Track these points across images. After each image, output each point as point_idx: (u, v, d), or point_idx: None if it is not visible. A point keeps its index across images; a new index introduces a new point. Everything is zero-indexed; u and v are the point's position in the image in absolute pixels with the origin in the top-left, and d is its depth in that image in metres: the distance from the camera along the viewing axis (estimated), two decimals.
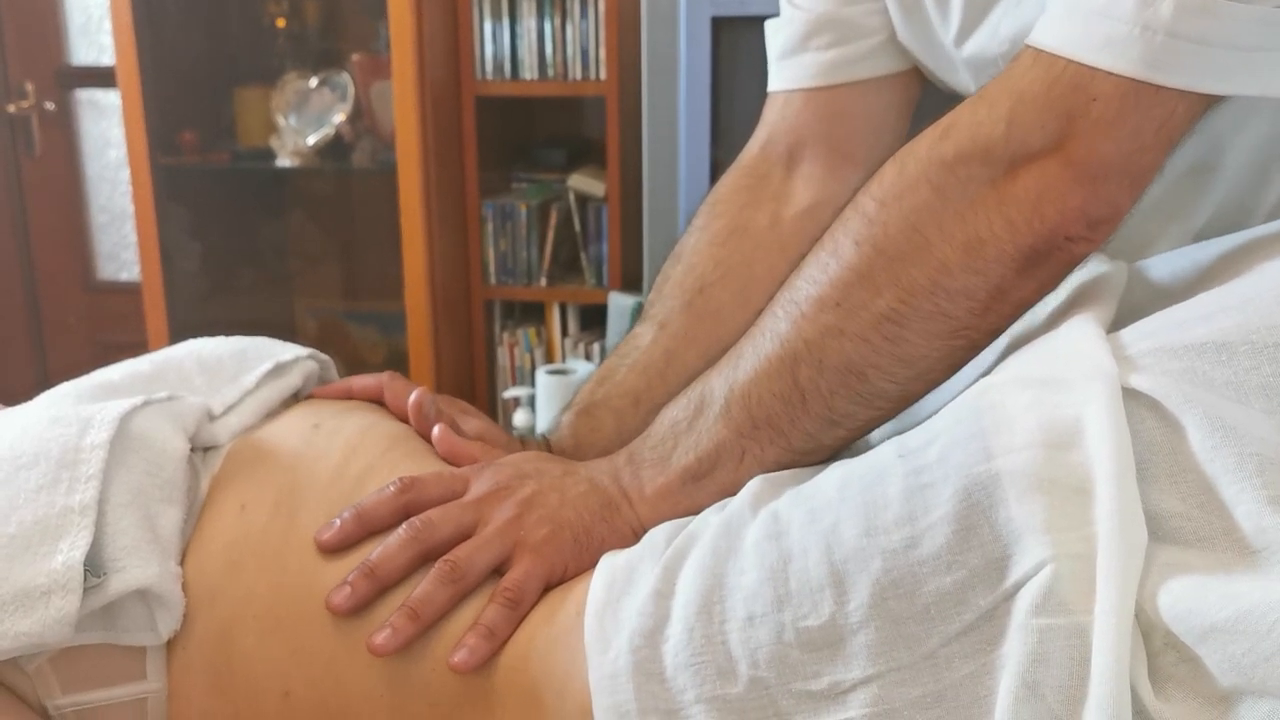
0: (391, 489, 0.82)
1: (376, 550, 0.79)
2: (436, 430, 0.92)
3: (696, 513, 0.80)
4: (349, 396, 0.99)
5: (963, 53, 0.97)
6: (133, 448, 0.83)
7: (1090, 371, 0.68)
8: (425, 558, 0.79)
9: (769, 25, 1.13)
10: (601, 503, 0.83)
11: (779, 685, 0.67)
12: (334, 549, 0.81)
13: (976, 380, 0.75)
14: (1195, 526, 0.63)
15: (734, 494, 0.80)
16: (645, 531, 0.80)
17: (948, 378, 0.78)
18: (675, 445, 0.83)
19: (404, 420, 0.97)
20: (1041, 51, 0.72)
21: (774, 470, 0.80)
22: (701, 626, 0.69)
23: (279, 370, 1.00)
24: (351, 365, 3.50)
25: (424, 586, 0.78)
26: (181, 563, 0.81)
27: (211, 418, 0.92)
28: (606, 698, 0.70)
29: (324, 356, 1.04)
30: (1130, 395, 0.67)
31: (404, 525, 0.80)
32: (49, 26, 3.76)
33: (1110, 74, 0.69)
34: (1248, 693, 0.58)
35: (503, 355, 3.45)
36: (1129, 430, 0.65)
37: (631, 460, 0.85)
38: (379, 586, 0.78)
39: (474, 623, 0.76)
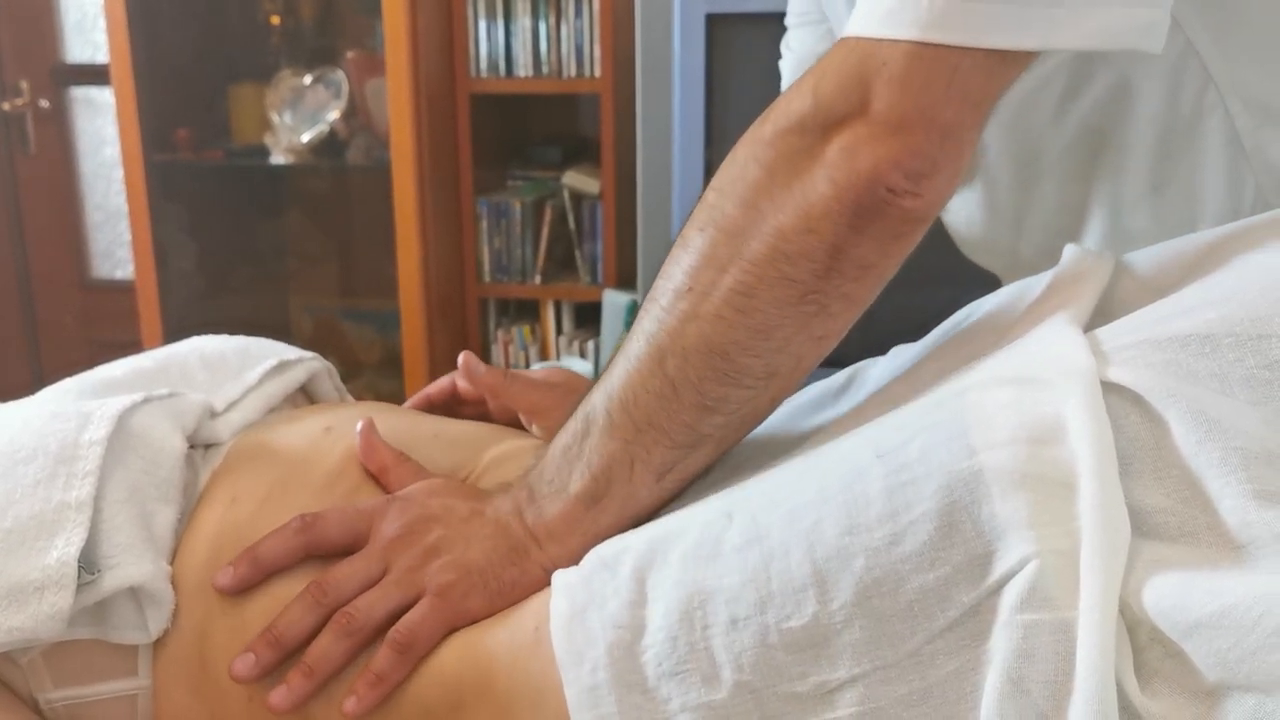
0: (290, 528, 0.81)
1: (280, 616, 0.79)
2: (359, 425, 0.90)
3: (605, 538, 0.79)
4: (429, 406, 1.03)
5: None
6: (131, 445, 0.83)
7: (1068, 369, 0.69)
8: (329, 617, 0.79)
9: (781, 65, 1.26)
10: (510, 546, 0.81)
11: (764, 688, 0.67)
12: (230, 593, 0.80)
13: (939, 382, 0.76)
14: (1180, 522, 0.63)
15: (633, 509, 0.80)
16: (556, 570, 0.80)
17: (815, 353, 0.79)
18: (570, 472, 0.81)
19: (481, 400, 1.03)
20: (845, 38, 0.77)
21: (662, 473, 0.80)
22: (685, 634, 0.69)
23: (282, 367, 1.00)
24: (348, 363, 3.50)
25: (320, 641, 0.77)
26: (172, 562, 0.82)
27: (213, 414, 0.93)
28: (588, 712, 0.69)
29: (325, 362, 1.05)
30: (1112, 390, 0.67)
31: (307, 589, 0.79)
32: (44, 24, 3.75)
33: (894, 41, 0.73)
34: (1234, 687, 0.58)
35: (497, 353, 3.45)
36: (1111, 426, 0.66)
37: (533, 498, 0.83)
38: (283, 653, 0.78)
39: (362, 670, 0.77)
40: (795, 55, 1.24)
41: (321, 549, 0.81)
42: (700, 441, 0.80)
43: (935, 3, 0.72)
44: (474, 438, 0.96)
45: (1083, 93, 0.93)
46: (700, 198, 0.80)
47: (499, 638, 0.76)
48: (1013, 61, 0.74)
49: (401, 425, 0.94)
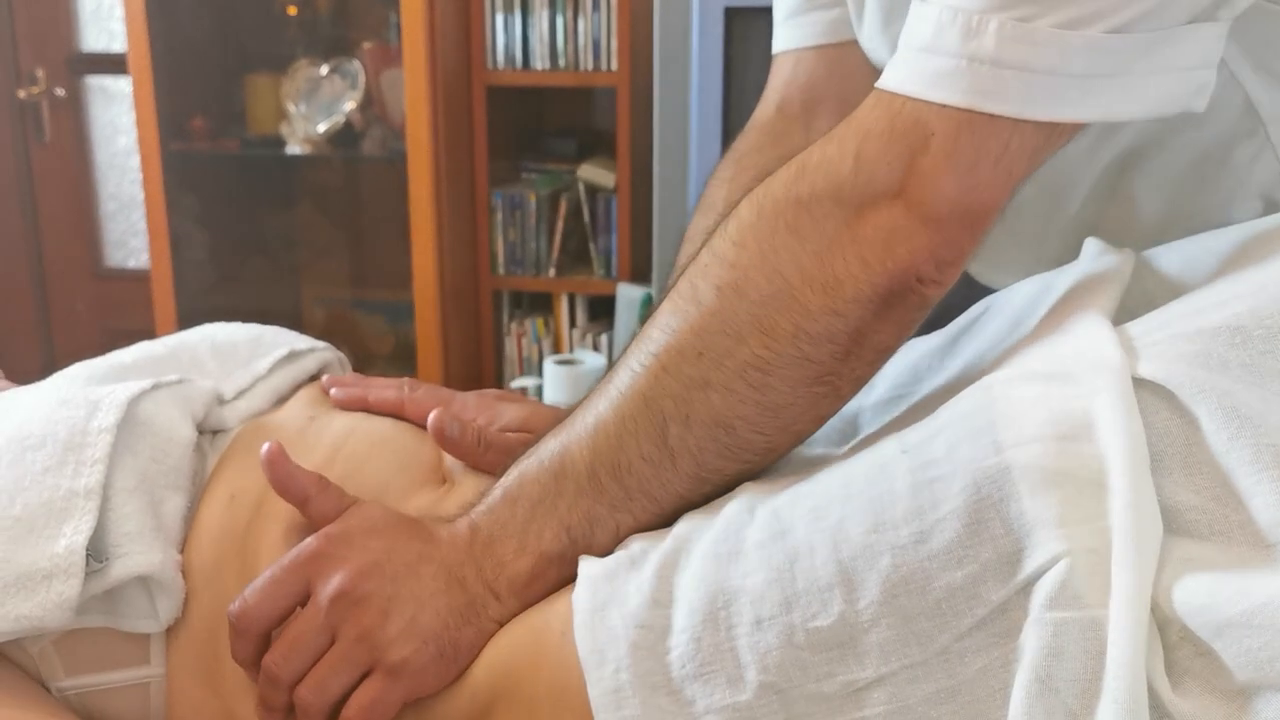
0: (232, 630, 0.76)
1: (258, 699, 0.76)
2: (265, 450, 0.81)
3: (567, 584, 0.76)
4: (364, 407, 0.94)
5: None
6: (140, 433, 0.82)
7: (1097, 363, 0.68)
8: (291, 691, 0.75)
9: None
10: (465, 601, 0.76)
11: (790, 689, 0.66)
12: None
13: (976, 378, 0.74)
14: (1211, 520, 0.63)
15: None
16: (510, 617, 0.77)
17: (813, 431, 0.77)
18: (542, 529, 0.77)
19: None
20: (883, 92, 0.73)
21: (647, 532, 0.77)
22: (709, 635, 0.68)
23: (293, 357, 0.99)
24: (359, 354, 3.50)
25: None
26: (182, 550, 0.81)
27: (222, 402, 0.92)
28: (612, 713, 0.68)
29: (338, 352, 1.04)
30: (1142, 386, 0.66)
31: (262, 673, 0.75)
32: (60, 13, 3.76)
33: (944, 106, 0.69)
34: (1264, 687, 0.57)
35: (510, 345, 3.45)
36: (1142, 421, 0.65)
37: (491, 548, 0.77)
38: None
39: None
40: None
41: (267, 627, 0.76)
42: (686, 507, 0.77)
43: (990, 69, 0.68)
44: None
45: (1123, 125, 0.90)
46: (708, 242, 0.77)
47: (524, 642, 0.75)
48: (1062, 134, 0.71)
49: (381, 431, 0.91)
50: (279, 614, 0.76)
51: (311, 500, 0.80)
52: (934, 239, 0.70)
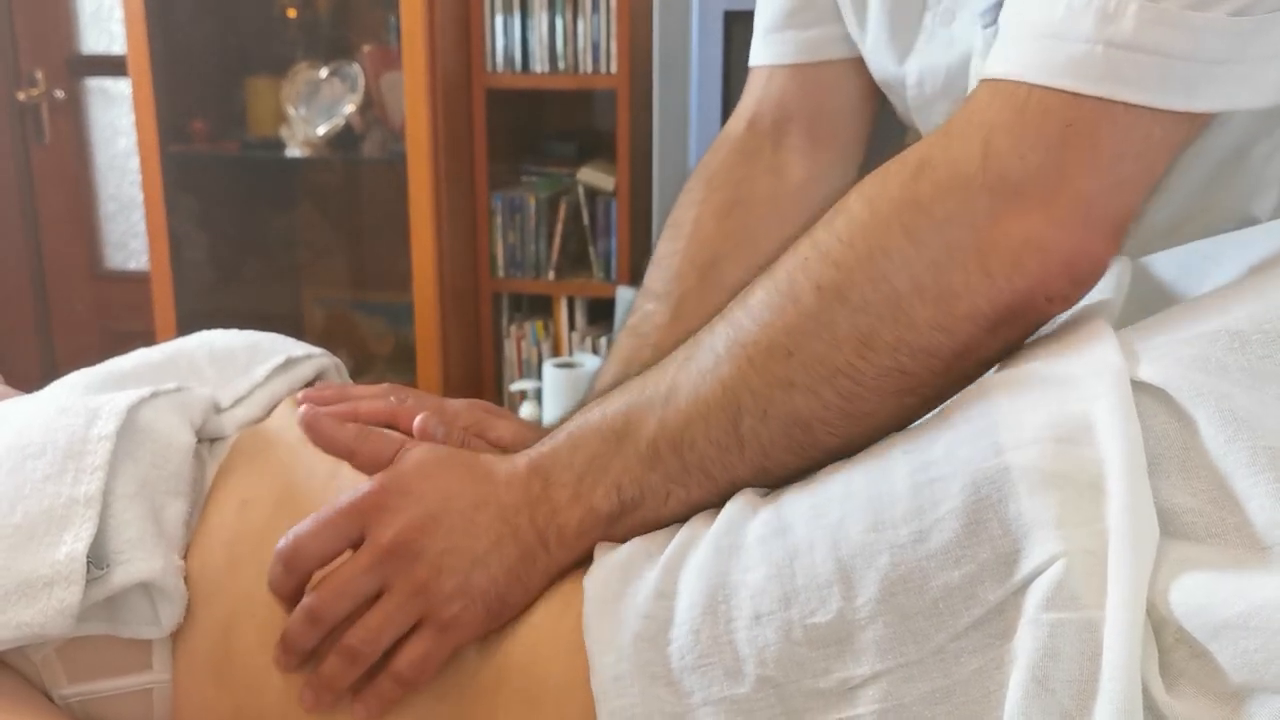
0: (277, 569, 0.77)
1: (285, 631, 0.76)
2: (301, 412, 0.84)
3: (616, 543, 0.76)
4: (354, 419, 0.92)
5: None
6: (139, 440, 0.82)
7: (1098, 367, 0.68)
8: (331, 631, 0.76)
9: (759, 2, 1.13)
10: (518, 556, 0.76)
11: (787, 683, 0.66)
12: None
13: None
14: (1207, 522, 0.63)
15: (653, 527, 0.76)
16: (560, 572, 0.77)
17: (889, 434, 0.75)
18: (595, 485, 0.76)
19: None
20: (1002, 81, 0.69)
21: (695, 509, 0.76)
22: (708, 628, 0.68)
23: (290, 364, 0.99)
24: (359, 356, 3.50)
25: (331, 663, 0.75)
26: (185, 556, 0.81)
27: (219, 410, 0.92)
28: (612, 701, 0.69)
29: (334, 358, 1.04)
30: (1140, 389, 0.66)
31: (302, 608, 0.76)
32: (60, 14, 3.76)
33: (1078, 95, 0.66)
34: (1260, 689, 0.58)
35: (510, 348, 3.45)
36: (1140, 425, 0.65)
37: (548, 491, 0.77)
38: (299, 658, 0.76)
39: (366, 692, 0.75)
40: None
41: (321, 565, 0.77)
42: (741, 491, 0.76)
43: (1135, 56, 0.65)
44: None
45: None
46: (811, 234, 0.73)
47: (543, 628, 0.75)
48: (1196, 126, 0.68)
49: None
50: (330, 554, 0.77)
51: (357, 454, 0.83)
52: (1073, 251, 0.67)
